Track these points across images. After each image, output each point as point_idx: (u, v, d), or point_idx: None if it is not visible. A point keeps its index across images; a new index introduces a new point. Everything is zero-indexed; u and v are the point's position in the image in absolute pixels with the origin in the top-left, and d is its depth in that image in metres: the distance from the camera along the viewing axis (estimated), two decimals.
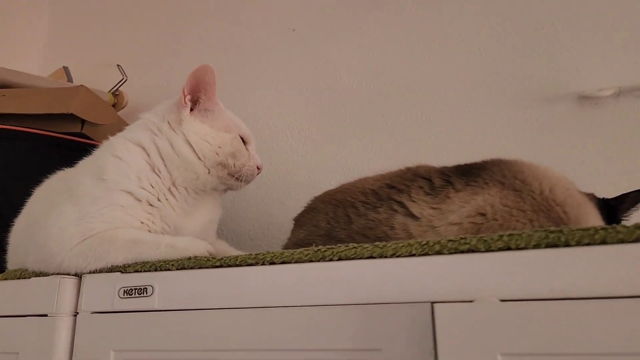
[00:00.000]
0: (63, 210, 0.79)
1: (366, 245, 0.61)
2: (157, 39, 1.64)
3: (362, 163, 1.30)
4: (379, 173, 0.85)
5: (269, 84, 1.43)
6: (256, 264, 0.66)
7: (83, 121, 1.14)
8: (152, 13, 1.68)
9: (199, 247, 0.77)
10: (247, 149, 0.91)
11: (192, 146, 0.84)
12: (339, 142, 1.33)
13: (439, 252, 0.56)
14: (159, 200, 0.83)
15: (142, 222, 0.81)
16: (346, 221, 0.79)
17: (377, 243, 0.61)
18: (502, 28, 1.23)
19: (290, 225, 0.93)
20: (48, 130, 1.09)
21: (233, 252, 0.92)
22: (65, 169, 0.94)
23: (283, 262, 0.65)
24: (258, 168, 0.91)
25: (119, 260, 0.75)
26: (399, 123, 1.28)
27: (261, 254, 0.67)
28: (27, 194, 0.94)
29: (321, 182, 1.30)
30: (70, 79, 1.50)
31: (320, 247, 0.64)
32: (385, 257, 0.59)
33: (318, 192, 0.92)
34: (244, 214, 1.37)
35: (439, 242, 0.57)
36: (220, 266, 0.69)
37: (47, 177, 0.94)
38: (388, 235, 0.73)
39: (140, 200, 0.81)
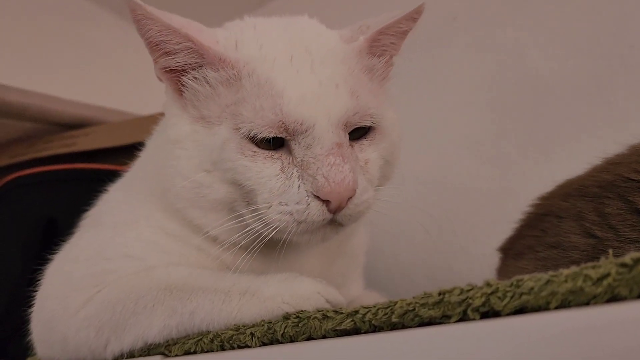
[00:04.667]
0: (75, 245, 0.48)
1: None
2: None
3: None
4: None
5: (430, 84, 1.03)
6: (442, 318, 0.27)
7: None
8: None
9: (305, 291, 0.39)
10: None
11: None
12: (541, 154, 0.88)
13: None
14: None
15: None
16: (637, 220, 0.34)
17: None
18: None
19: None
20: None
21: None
22: None
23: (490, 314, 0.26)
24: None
25: (154, 331, 0.40)
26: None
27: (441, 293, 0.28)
28: None
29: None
30: None
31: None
32: None
33: None
34: (410, 277, 0.96)
35: None
36: (359, 330, 0.30)
37: None
38: None
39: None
